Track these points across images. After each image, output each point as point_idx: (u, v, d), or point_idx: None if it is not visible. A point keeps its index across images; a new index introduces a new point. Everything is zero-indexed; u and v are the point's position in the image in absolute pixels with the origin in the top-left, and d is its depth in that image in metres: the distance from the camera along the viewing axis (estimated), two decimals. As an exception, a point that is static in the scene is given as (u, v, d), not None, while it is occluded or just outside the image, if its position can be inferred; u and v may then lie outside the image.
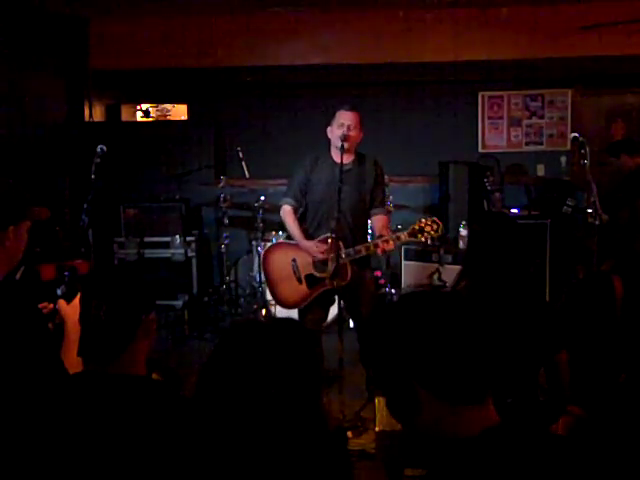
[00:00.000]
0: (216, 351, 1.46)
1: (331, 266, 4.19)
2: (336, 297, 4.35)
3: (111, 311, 1.87)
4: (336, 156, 4.29)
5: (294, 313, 4.63)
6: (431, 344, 1.33)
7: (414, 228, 4.19)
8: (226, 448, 1.38)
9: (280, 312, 5.78)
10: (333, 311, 5.21)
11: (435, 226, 4.18)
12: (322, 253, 4.27)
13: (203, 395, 1.43)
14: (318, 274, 4.35)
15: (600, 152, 6.38)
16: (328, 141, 4.40)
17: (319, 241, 4.33)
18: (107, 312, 1.87)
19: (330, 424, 1.48)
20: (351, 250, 4.23)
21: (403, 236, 4.23)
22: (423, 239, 4.21)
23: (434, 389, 1.33)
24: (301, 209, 4.53)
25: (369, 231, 4.91)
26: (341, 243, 4.18)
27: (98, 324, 1.87)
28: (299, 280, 4.41)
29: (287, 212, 4.44)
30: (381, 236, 4.27)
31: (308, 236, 4.44)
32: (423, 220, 4.20)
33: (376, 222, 4.49)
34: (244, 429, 1.38)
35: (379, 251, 4.26)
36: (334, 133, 4.31)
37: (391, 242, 4.18)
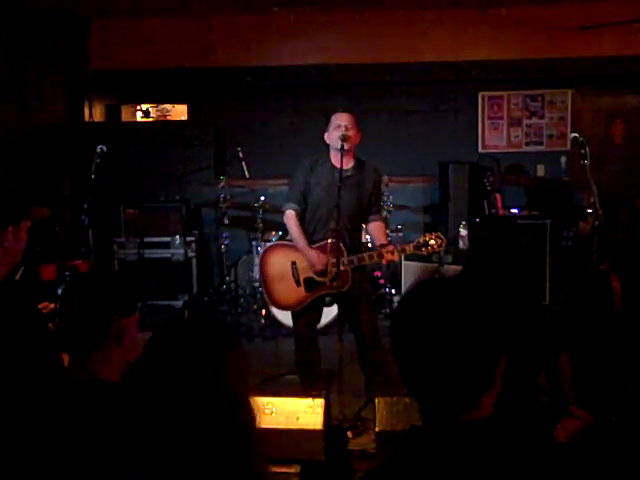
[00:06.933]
0: (144, 351, 1.49)
1: (332, 270, 4.20)
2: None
3: (82, 306, 1.92)
4: (335, 160, 4.26)
5: (288, 315, 4.63)
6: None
7: (419, 242, 4.27)
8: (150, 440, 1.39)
9: (276, 313, 5.78)
10: (331, 312, 5.21)
11: (439, 241, 4.24)
12: (323, 265, 4.29)
13: (132, 389, 1.46)
14: (318, 278, 4.34)
15: (600, 152, 6.39)
16: (327, 147, 4.37)
17: (319, 247, 4.32)
18: (78, 307, 1.92)
19: (254, 425, 1.46)
20: (354, 258, 4.23)
21: (408, 248, 4.30)
22: (426, 253, 4.30)
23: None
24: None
25: (366, 236, 4.93)
26: (342, 246, 4.18)
27: (69, 318, 1.93)
28: (297, 283, 4.39)
29: (291, 217, 4.37)
30: (384, 245, 4.28)
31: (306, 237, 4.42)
32: (428, 235, 4.27)
33: (373, 229, 4.48)
34: (166, 424, 1.39)
35: (384, 262, 4.42)
36: (332, 136, 4.26)
37: (396, 254, 4.25)
